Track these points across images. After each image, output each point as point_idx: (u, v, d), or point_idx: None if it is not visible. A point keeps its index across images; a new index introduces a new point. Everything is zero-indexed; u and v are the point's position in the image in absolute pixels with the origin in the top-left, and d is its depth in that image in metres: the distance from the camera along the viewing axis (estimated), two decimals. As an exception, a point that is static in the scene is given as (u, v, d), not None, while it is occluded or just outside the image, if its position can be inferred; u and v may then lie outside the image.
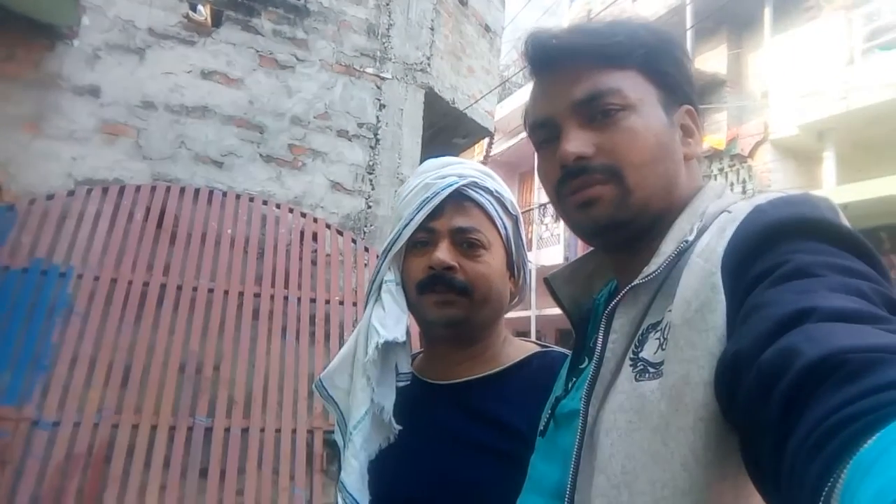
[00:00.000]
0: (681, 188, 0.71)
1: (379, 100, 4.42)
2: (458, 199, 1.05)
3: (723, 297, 0.55)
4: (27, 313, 2.88)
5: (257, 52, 4.09)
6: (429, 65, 4.76)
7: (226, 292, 3.32)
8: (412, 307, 1.07)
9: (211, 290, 3.30)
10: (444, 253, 1.02)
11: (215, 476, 2.75)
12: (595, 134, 0.70)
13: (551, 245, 13.46)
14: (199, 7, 3.96)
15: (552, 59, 0.73)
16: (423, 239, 1.05)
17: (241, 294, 3.34)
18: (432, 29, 4.85)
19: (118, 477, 2.61)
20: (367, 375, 1.03)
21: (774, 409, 0.42)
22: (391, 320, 1.03)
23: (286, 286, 3.47)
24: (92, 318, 2.97)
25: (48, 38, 3.53)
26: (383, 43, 4.55)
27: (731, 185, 9.01)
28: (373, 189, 4.25)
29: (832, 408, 0.37)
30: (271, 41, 4.14)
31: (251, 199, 3.75)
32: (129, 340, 2.99)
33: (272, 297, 3.39)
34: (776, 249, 0.54)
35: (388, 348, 1.04)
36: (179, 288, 3.24)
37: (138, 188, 3.50)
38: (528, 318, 12.70)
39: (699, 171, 0.76)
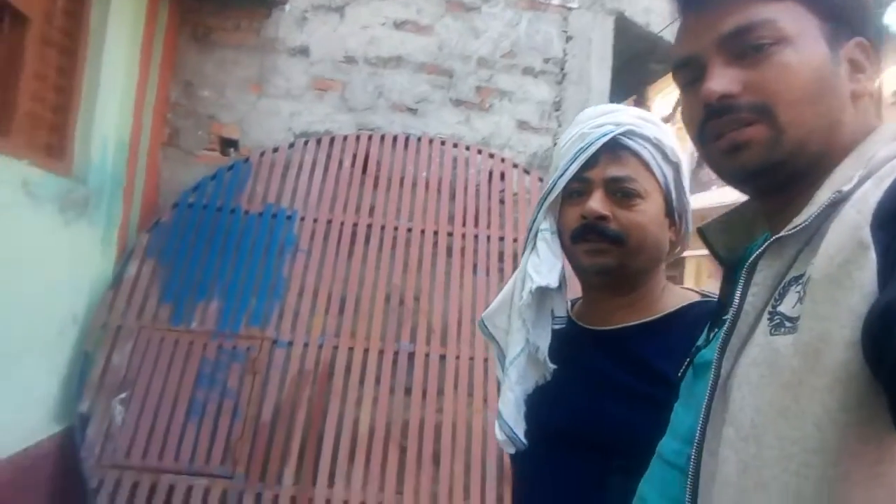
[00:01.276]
0: (846, 129, 0.64)
1: (565, 32, 4.30)
2: (614, 147, 1.05)
3: (873, 253, 0.50)
4: (264, 250, 3.40)
5: (444, -4, 4.19)
6: (619, -12, 4.50)
7: (422, 231, 3.58)
8: (567, 254, 1.10)
9: (409, 230, 3.58)
10: (596, 202, 1.03)
11: (418, 395, 3.07)
12: (744, 71, 0.64)
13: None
14: (390, -41, 4.14)
15: None
16: (578, 188, 1.07)
17: (435, 233, 3.59)
18: (622, -51, 4.54)
19: (339, 391, 3.04)
20: (523, 318, 1.09)
21: None
22: (545, 267, 1.08)
23: (476, 225, 3.64)
24: (313, 254, 3.41)
25: (265, 6, 3.97)
26: (569, -29, 4.38)
27: None
28: (560, 126, 4.20)
29: None
30: (457, -17, 4.21)
31: (443, 143, 3.94)
32: (343, 274, 3.40)
33: (464, 235, 3.59)
34: None
35: (542, 293, 1.09)
36: (383, 228, 3.57)
37: (345, 138, 3.87)
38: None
39: (872, 111, 0.68)
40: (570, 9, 4.31)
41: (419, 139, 3.94)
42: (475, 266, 3.50)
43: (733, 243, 0.79)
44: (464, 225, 3.64)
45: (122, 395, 2.81)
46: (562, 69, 4.25)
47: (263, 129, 3.92)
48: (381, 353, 3.17)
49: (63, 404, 2.86)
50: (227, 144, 3.89)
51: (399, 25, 4.13)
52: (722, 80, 0.64)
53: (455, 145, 3.96)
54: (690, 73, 0.69)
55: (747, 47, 0.64)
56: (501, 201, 3.80)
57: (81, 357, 2.94)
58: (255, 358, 3.04)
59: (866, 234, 0.52)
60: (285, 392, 3.01)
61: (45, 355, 2.76)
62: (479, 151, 3.98)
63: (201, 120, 3.86)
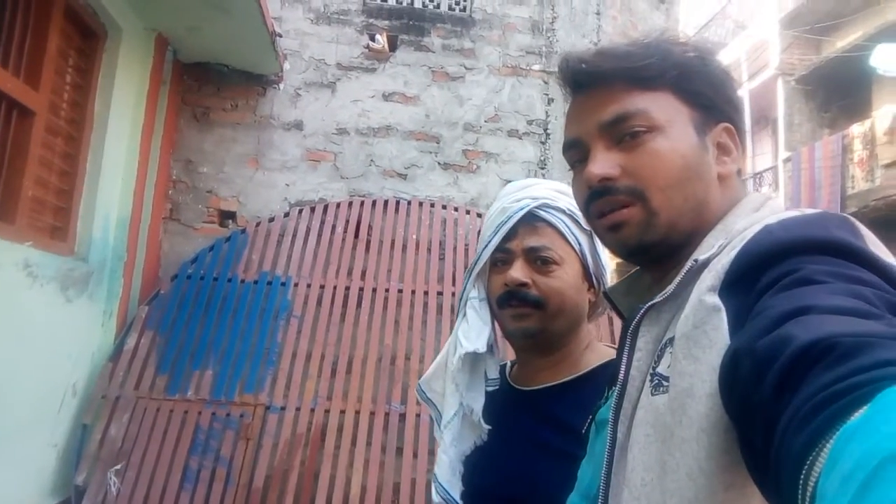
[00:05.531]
0: (713, 207, 0.70)
1: (547, 94, 4.50)
2: (531, 220, 1.14)
3: (724, 314, 0.55)
4: (258, 317, 3.50)
5: (430, 68, 4.42)
6: (597, 51, 4.70)
7: (413, 292, 3.68)
8: (497, 319, 1.18)
9: (400, 291, 3.68)
10: (517, 271, 1.11)
11: (409, 455, 3.09)
12: (621, 155, 0.70)
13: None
14: (377, 36, 4.39)
15: (582, 83, 0.75)
16: (501, 258, 1.16)
17: (426, 293, 3.68)
18: (598, 14, 4.78)
19: (331, 453, 3.08)
20: (456, 382, 1.16)
21: (767, 390, 0.42)
22: (474, 333, 1.16)
23: (465, 283, 3.72)
24: (306, 319, 3.51)
25: (261, 85, 4.22)
26: (548, 38, 4.61)
27: None
28: (546, 183, 4.33)
29: (821, 385, 0.38)
30: (441, 56, 4.45)
31: (432, 205, 4.09)
32: (335, 337, 3.48)
33: (453, 294, 3.67)
34: (782, 264, 0.53)
35: (474, 357, 1.16)
36: (374, 290, 3.68)
37: (338, 204, 4.03)
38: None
39: (740, 187, 0.74)
40: (550, 73, 4.51)
41: (409, 202, 4.09)
42: (465, 324, 3.56)
43: (635, 305, 0.83)
44: (453, 284, 3.73)
45: (118, 467, 2.87)
46: (545, 130, 4.42)
47: (261, 200, 4.10)
48: (372, 414, 3.22)
49: (61, 476, 2.93)
50: (226, 216, 4.07)
51: (387, 97, 4.35)
52: (603, 164, 0.71)
53: (444, 207, 4.10)
54: (577, 153, 0.76)
55: (624, 134, 0.71)
56: (490, 259, 3.88)
57: (80, 429, 3.03)
58: (249, 424, 3.10)
59: (717, 298, 0.57)
60: (277, 457, 3.05)
61: (45, 428, 2.85)
62: (468, 211, 4.11)
63: (201, 195, 4.05)
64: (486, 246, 1.17)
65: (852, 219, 0.59)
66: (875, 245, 0.56)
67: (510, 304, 1.13)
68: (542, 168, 4.37)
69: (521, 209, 1.15)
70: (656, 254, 0.72)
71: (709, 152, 0.72)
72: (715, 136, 0.73)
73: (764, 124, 12.96)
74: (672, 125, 0.70)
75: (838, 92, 10.90)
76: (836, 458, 0.32)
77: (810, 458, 0.35)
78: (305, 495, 2.96)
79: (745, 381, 0.46)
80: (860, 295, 0.47)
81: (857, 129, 9.10)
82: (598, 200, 0.72)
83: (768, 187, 11.75)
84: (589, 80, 0.74)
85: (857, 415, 0.33)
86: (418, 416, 3.22)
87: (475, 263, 1.20)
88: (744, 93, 11.93)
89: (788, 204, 10.57)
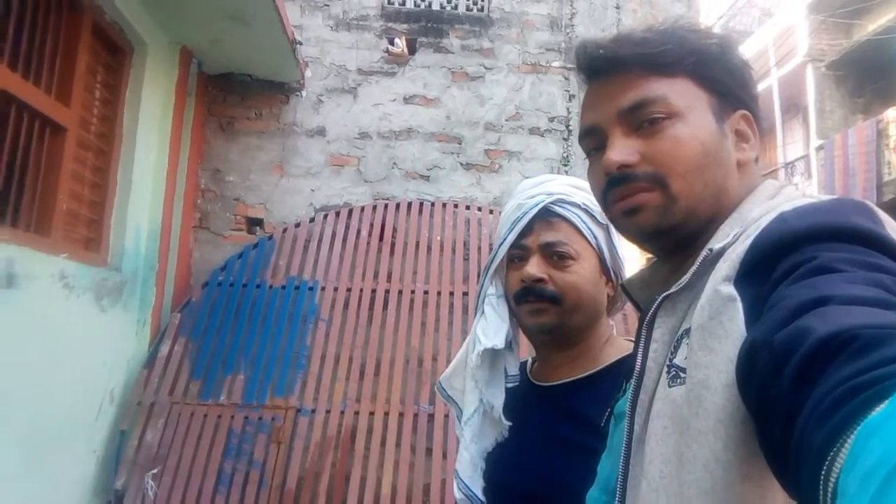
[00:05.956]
0: (731, 194, 0.70)
1: (567, 91, 4.47)
2: (546, 215, 1.14)
3: (739, 304, 0.55)
4: (287, 322, 3.55)
5: (449, 69, 4.43)
6: (617, 45, 4.66)
7: (438, 293, 3.69)
8: (515, 316, 1.18)
9: (426, 292, 3.70)
10: (533, 267, 1.11)
11: (439, 455, 3.10)
12: (640, 142, 0.70)
13: (804, 208, 11.89)
14: (396, 40, 4.42)
15: (599, 70, 0.74)
16: (518, 255, 1.15)
17: (451, 294, 3.69)
18: (618, 7, 4.73)
19: (361, 455, 3.11)
20: (475, 379, 1.17)
21: (786, 383, 0.42)
22: (492, 330, 1.16)
23: (491, 283, 3.72)
24: (334, 322, 3.55)
25: (283, 93, 4.28)
26: (567, 33, 4.58)
27: None
28: (569, 180, 4.31)
29: (842, 379, 0.37)
30: (460, 57, 4.46)
31: (455, 206, 4.10)
32: (363, 340, 3.51)
33: (479, 294, 3.67)
34: (798, 252, 0.53)
35: (493, 354, 1.16)
36: (400, 292, 3.70)
37: (362, 208, 4.07)
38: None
39: (757, 175, 0.74)
40: (570, 69, 4.49)
41: (432, 204, 4.10)
42: (491, 324, 3.56)
43: (651, 296, 0.81)
44: (478, 284, 3.72)
45: (155, 471, 2.94)
46: (567, 126, 4.40)
47: (286, 206, 4.16)
48: (401, 415, 3.24)
49: (101, 482, 3.01)
50: (253, 223, 4.14)
51: (408, 100, 4.38)
52: (621, 151, 0.70)
53: (467, 207, 4.11)
54: (593, 140, 0.75)
55: (643, 121, 0.70)
56: (515, 258, 3.88)
57: (118, 435, 3.11)
58: (280, 427, 3.15)
59: (732, 288, 0.56)
60: (309, 459, 3.09)
61: (84, 435, 2.94)
62: (491, 211, 4.11)
63: (228, 203, 4.13)
64: (503, 242, 1.18)
65: (870, 204, 0.58)
66: (895, 231, 0.54)
67: (527, 299, 1.13)
68: (565, 165, 4.34)
69: (537, 205, 1.15)
70: (672, 240, 0.71)
71: (728, 139, 0.71)
72: (733, 123, 0.72)
73: (794, 112, 12.66)
74: (691, 111, 0.70)
75: (871, 76, 10.61)
76: (857, 453, 0.32)
77: (831, 453, 0.34)
78: (337, 497, 2.99)
79: (763, 374, 0.46)
80: (880, 283, 0.46)
81: (892, 114, 8.84)
82: (616, 188, 0.71)
83: (800, 176, 11.49)
84: (606, 66, 0.74)
85: (879, 409, 0.33)
86: (447, 416, 3.23)
87: (492, 260, 1.20)
88: (773, 81, 11.70)
89: (822, 192, 10.31)
